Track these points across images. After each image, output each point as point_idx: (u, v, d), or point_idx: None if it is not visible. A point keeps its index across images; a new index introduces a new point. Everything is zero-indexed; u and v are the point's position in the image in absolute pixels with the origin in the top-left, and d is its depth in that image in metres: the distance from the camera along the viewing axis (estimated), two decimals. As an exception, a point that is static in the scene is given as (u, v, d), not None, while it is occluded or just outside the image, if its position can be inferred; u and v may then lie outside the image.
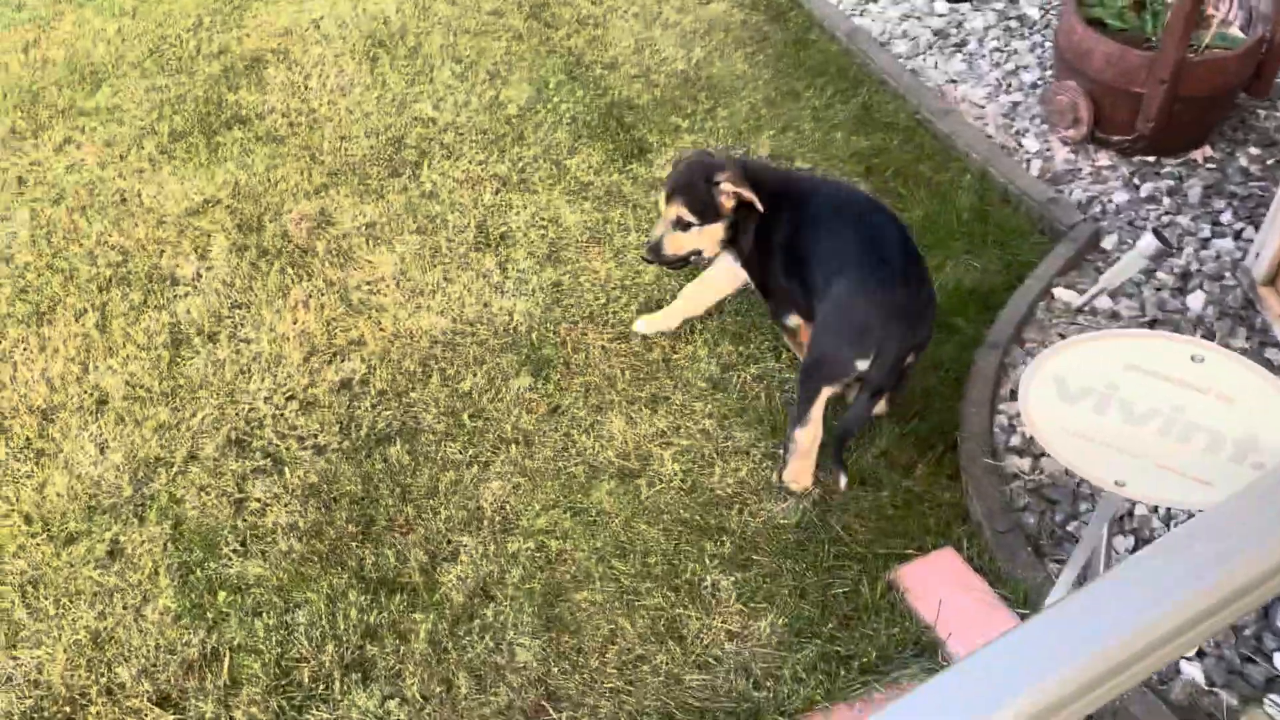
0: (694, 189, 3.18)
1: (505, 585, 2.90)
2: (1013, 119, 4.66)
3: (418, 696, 2.62)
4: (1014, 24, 5.30)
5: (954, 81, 4.95)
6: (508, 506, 3.12)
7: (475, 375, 3.55)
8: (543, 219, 4.27)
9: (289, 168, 4.52)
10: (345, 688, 2.64)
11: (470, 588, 2.88)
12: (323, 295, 3.88)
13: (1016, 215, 4.15)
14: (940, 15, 5.38)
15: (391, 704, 2.61)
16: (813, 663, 2.65)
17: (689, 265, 3.43)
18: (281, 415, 3.39)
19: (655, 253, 3.32)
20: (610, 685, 2.65)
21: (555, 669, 2.69)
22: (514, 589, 2.89)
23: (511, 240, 4.17)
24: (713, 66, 5.23)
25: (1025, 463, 3.09)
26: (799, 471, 3.06)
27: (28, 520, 3.04)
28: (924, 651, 2.65)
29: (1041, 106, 4.63)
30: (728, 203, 3.19)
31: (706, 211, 3.19)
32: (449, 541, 3.02)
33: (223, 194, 4.37)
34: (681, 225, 3.23)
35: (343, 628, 2.76)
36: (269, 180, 4.45)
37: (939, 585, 2.76)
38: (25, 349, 3.63)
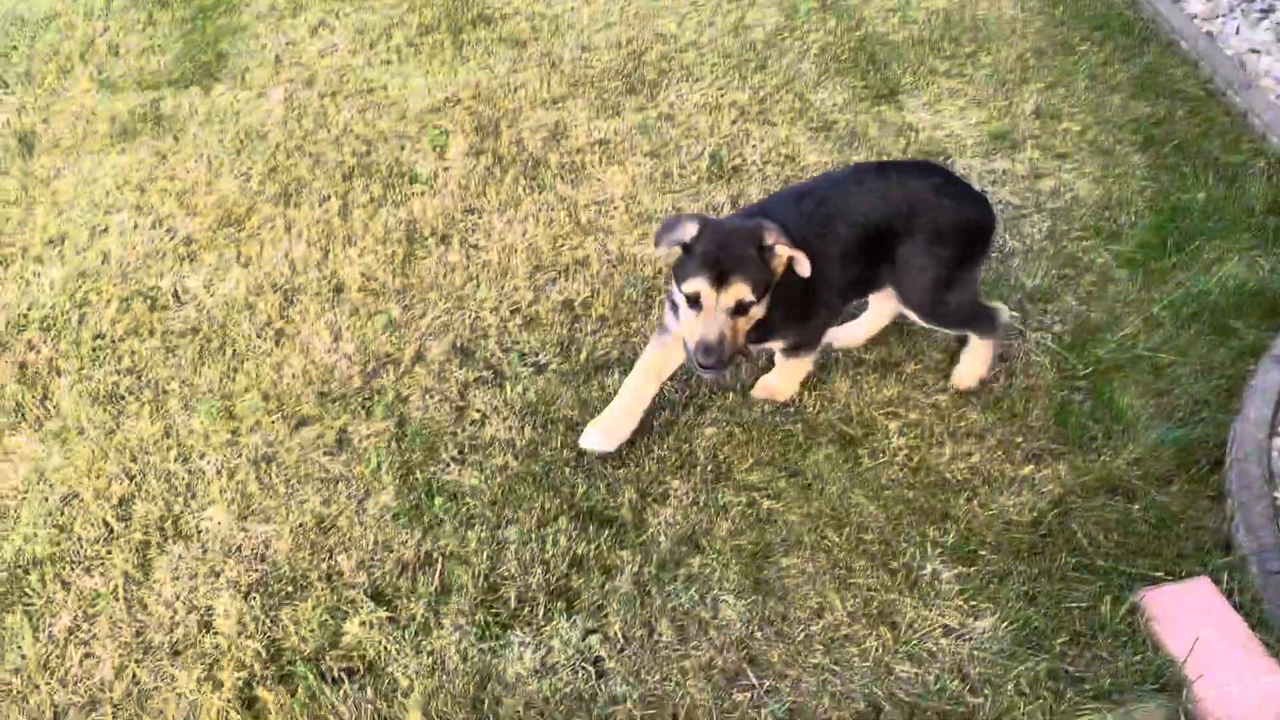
0: (751, 262, 2.60)
1: (714, 537, 2.82)
2: (1326, 101, 4.11)
3: (619, 636, 2.59)
4: (1338, -11, 4.65)
5: (1256, 51, 4.40)
6: (720, 456, 3.03)
7: (698, 312, 3.44)
8: (780, 154, 4.08)
9: (530, 74, 4.47)
10: (549, 614, 2.64)
11: (678, 534, 2.82)
12: (553, 210, 3.84)
13: (1318, 213, 3.67)
14: (1250, -28, 4.77)
15: (593, 639, 2.59)
16: (1038, 677, 2.46)
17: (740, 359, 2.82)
18: (505, 328, 3.39)
19: (719, 355, 2.61)
20: (815, 661, 2.55)
21: (759, 634, 2.61)
22: (722, 543, 2.80)
23: (745, 174, 4.00)
24: (978, 7, 4.84)
25: (1307, 498, 2.76)
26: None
27: (265, 398, 3.16)
28: (1166, 688, 2.42)
29: (1364, 89, 4.06)
30: (780, 268, 2.67)
31: (763, 280, 2.63)
32: (660, 482, 2.95)
33: (464, 94, 4.37)
34: (742, 309, 2.62)
35: (550, 553, 2.75)
36: (509, 85, 4.42)
37: (1190, 618, 2.51)
38: (272, 228, 3.75)
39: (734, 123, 4.23)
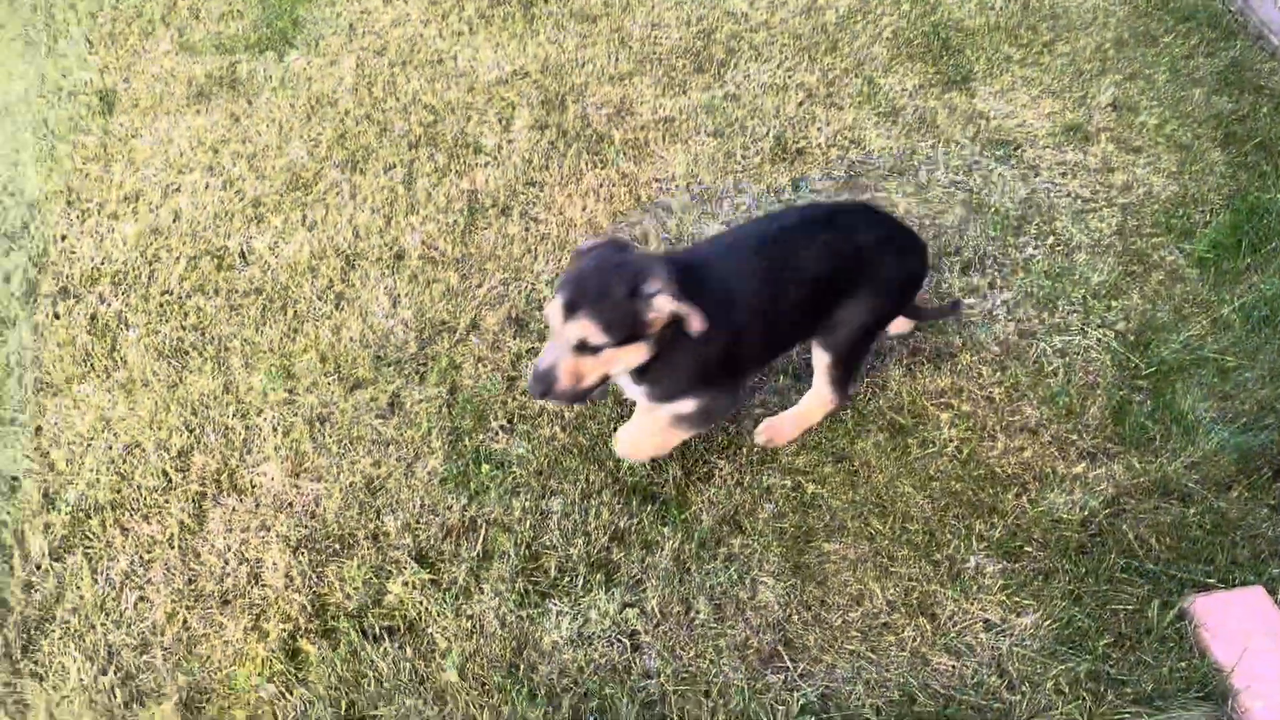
0: (610, 301, 2.29)
1: (755, 519, 2.82)
2: None
3: (656, 611, 2.61)
4: None
5: (1353, 46, 4.22)
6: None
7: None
8: (845, 139, 4.03)
9: (598, 49, 4.47)
10: (588, 585, 2.66)
11: (721, 513, 2.82)
12: (614, 186, 3.84)
13: (1407, 218, 3.52)
14: (1350, -36, 4.57)
15: (630, 613, 2.61)
16: (1078, 678, 2.42)
17: (590, 399, 2.52)
18: (560, 301, 3.40)
19: (544, 385, 2.33)
20: (851, 648, 2.54)
21: (796, 617, 2.61)
22: (764, 525, 2.80)
23: (809, 157, 3.96)
24: (1059, -6, 4.71)
25: (1373, 513, 2.66)
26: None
27: (323, 359, 3.22)
28: (1211, 697, 2.36)
29: None
30: (658, 321, 2.36)
31: (625, 330, 2.32)
32: (705, 461, 2.96)
33: (532, 68, 4.38)
34: (588, 349, 2.33)
35: (593, 525, 2.78)
36: (577, 60, 4.42)
37: (1241, 627, 2.45)
38: (338, 193, 3.82)
39: (800, 105, 4.18)
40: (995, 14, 4.59)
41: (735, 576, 2.68)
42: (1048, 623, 2.54)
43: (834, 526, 2.80)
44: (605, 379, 2.44)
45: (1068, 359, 3.17)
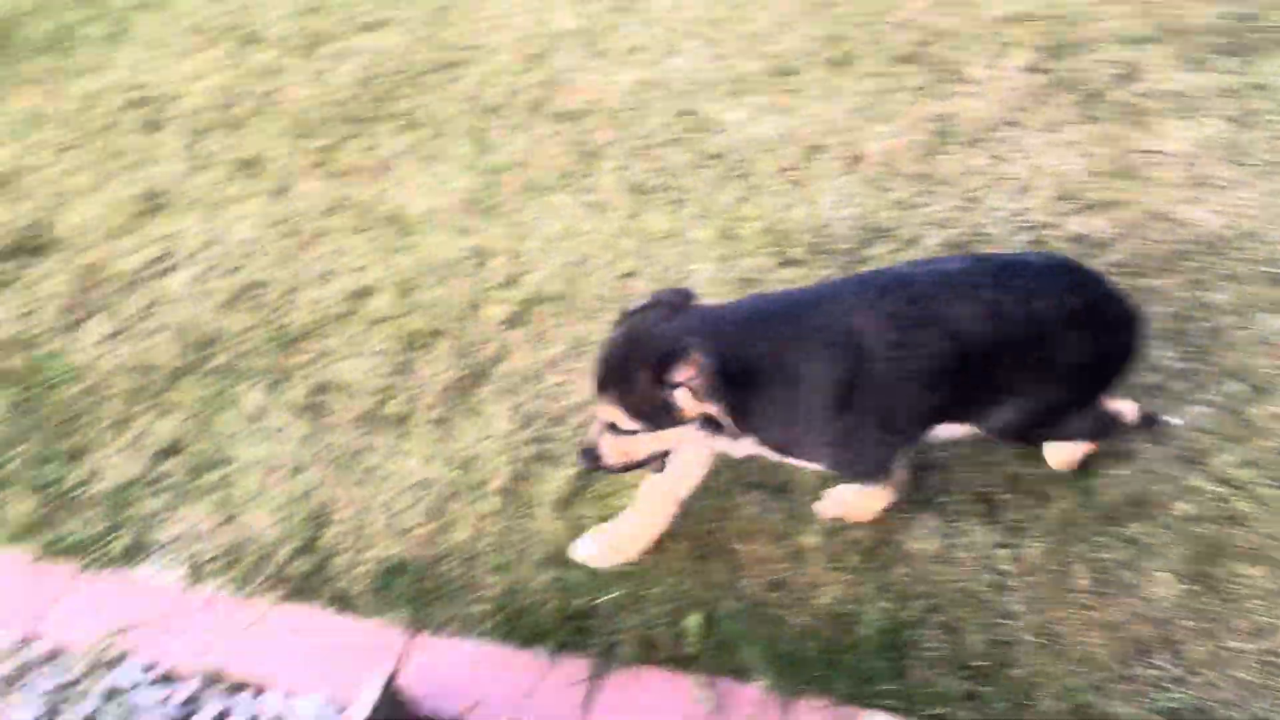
0: (635, 386, 2.03)
1: (1166, 513, 2.58)
2: None
3: (1031, 562, 2.49)
4: None
5: None
6: (1204, 439, 2.73)
7: (1223, 291, 3.09)
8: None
9: (1117, 8, 4.19)
10: (965, 514, 2.59)
11: (1128, 493, 2.62)
12: (1096, 145, 3.61)
13: None
14: None
15: (1002, 553, 2.51)
16: None
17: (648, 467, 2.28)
18: (1008, 242, 3.28)
19: (590, 460, 2.20)
20: (1241, 676, 2.27)
21: (1186, 623, 2.37)
22: (1174, 521, 2.56)
23: (1346, 168, 3.47)
24: None
25: None
26: None
27: (765, 232, 3.36)
28: None
29: None
30: (691, 410, 2.04)
31: (656, 416, 2.05)
32: (1123, 440, 2.74)
33: (1042, 11, 4.19)
34: (622, 431, 2.12)
35: (986, 460, 2.69)
36: (1092, 14, 4.17)
37: None
38: (817, 88, 3.91)
39: (1353, 111, 3.67)
40: None
41: (1125, 558, 2.49)
42: None
43: (1256, 552, 2.49)
44: (664, 453, 2.23)
45: None
